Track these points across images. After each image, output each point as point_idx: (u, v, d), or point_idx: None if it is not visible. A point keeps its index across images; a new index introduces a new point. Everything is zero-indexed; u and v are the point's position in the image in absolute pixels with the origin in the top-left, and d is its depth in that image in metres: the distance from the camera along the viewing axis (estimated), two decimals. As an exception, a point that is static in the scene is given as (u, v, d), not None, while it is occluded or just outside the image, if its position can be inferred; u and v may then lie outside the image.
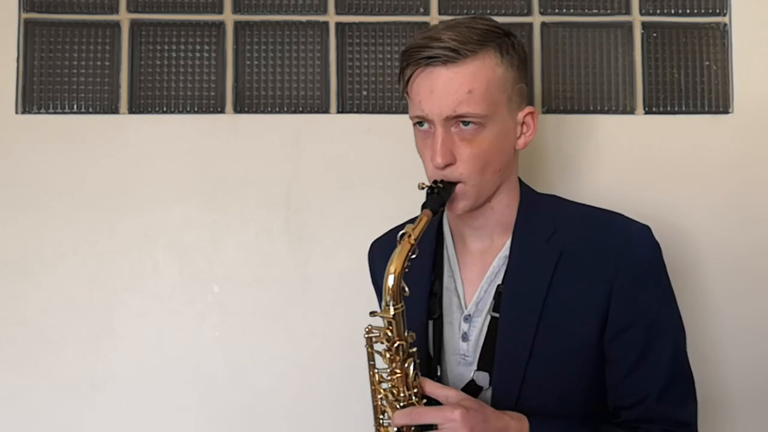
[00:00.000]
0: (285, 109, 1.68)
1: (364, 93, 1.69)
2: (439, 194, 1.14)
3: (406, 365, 1.12)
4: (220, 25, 1.69)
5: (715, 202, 1.66)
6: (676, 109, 1.69)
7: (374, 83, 1.68)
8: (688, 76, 1.69)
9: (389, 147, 1.67)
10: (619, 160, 1.66)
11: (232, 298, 1.65)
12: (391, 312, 1.10)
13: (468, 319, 1.24)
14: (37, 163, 1.65)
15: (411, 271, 1.11)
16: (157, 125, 1.67)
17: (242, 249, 1.66)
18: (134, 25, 1.69)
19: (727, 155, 1.67)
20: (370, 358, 1.18)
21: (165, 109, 1.67)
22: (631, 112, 1.68)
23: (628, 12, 1.70)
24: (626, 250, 1.17)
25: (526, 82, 1.24)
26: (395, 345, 1.12)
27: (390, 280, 1.08)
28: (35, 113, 1.67)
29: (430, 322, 1.27)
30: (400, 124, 1.68)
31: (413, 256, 1.10)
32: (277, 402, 1.65)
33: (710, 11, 1.70)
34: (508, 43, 1.17)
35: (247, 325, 1.65)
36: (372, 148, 1.68)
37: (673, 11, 1.70)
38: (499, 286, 1.22)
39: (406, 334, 1.12)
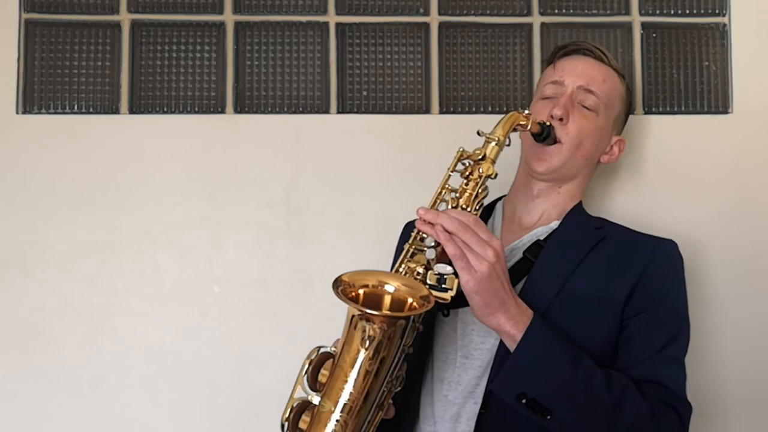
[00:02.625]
0: (285, 109, 1.68)
1: (364, 93, 1.69)
2: (549, 128, 1.31)
3: (480, 190, 1.19)
4: (220, 26, 1.69)
5: (714, 201, 1.66)
6: (676, 109, 1.69)
7: (374, 83, 1.69)
8: (688, 77, 1.69)
9: (389, 147, 1.67)
10: (618, 160, 1.66)
11: (233, 298, 1.65)
12: (497, 138, 1.20)
13: None
14: (37, 163, 1.65)
15: None
16: (157, 125, 1.67)
17: (242, 249, 1.66)
18: (135, 25, 1.69)
19: (727, 155, 1.67)
20: (451, 169, 1.22)
21: (165, 109, 1.68)
22: (631, 112, 1.68)
23: (627, 12, 1.70)
24: (657, 252, 1.31)
25: (623, 124, 1.48)
26: (482, 167, 1.19)
27: (501, 122, 1.22)
28: (35, 113, 1.67)
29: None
30: (400, 124, 1.69)
31: (521, 123, 1.24)
32: (277, 402, 1.64)
33: (710, 11, 1.70)
34: (627, 84, 1.47)
35: (247, 325, 1.65)
36: (372, 148, 1.68)
37: (672, 11, 1.70)
38: (539, 240, 1.32)
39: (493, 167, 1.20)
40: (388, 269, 1.46)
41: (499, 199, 1.45)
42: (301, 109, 1.68)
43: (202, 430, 1.63)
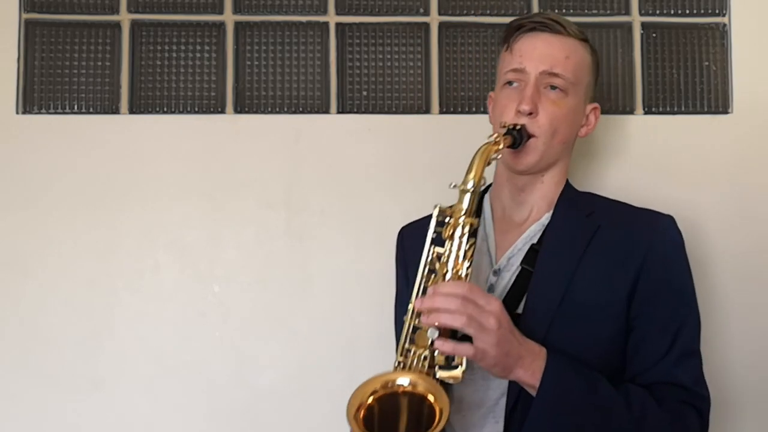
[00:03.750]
0: (285, 109, 1.68)
1: (364, 93, 1.69)
2: (519, 132, 1.25)
3: (466, 246, 1.15)
4: (220, 26, 1.69)
5: (714, 201, 1.66)
6: (676, 109, 1.69)
7: (374, 83, 1.69)
8: (688, 77, 1.69)
9: (389, 147, 1.67)
10: (618, 160, 1.67)
11: (233, 298, 1.65)
12: (471, 188, 1.16)
13: (497, 272, 1.29)
14: (37, 163, 1.65)
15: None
16: (157, 125, 1.67)
17: (242, 249, 1.66)
18: (135, 25, 1.69)
19: (727, 155, 1.67)
20: (433, 232, 1.19)
21: (165, 109, 1.68)
22: (631, 112, 1.69)
23: (627, 12, 1.70)
24: (656, 233, 1.27)
25: (595, 89, 1.39)
26: (462, 220, 1.15)
27: (475, 163, 1.17)
28: (35, 113, 1.67)
29: None
30: (400, 124, 1.69)
31: (496, 157, 1.21)
32: (277, 402, 1.64)
33: (710, 11, 1.70)
34: (593, 49, 1.36)
35: (247, 325, 1.65)
36: (372, 148, 1.68)
37: (672, 11, 1.70)
38: (533, 245, 1.28)
39: (475, 217, 1.17)
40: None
41: (486, 190, 1.41)
42: (301, 109, 1.68)
43: (202, 430, 1.63)
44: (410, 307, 1.17)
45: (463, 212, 1.16)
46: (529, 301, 1.23)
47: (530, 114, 1.26)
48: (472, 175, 1.16)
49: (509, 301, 1.23)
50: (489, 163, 1.19)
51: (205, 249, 1.65)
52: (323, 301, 1.65)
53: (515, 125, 1.25)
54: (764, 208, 1.67)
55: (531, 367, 1.12)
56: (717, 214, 1.66)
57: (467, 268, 1.15)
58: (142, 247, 1.65)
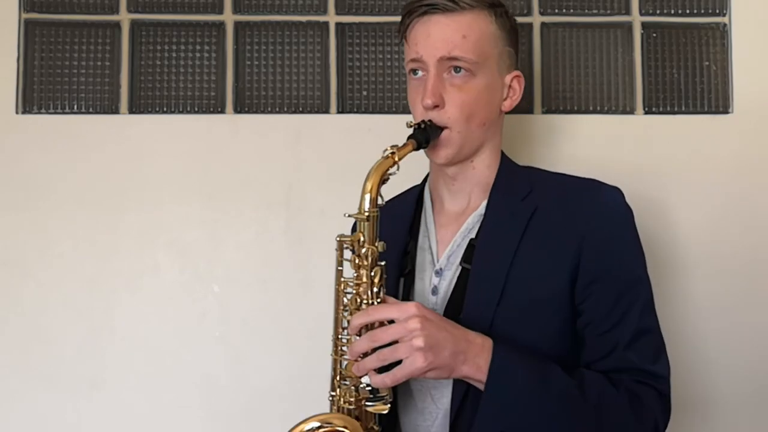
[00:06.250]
0: (285, 109, 1.68)
1: (364, 93, 1.69)
2: (425, 130, 1.18)
3: (372, 273, 1.12)
4: (220, 25, 1.69)
5: (714, 201, 1.66)
6: (676, 109, 1.69)
7: (374, 83, 1.69)
8: (688, 77, 1.69)
9: (389, 147, 1.67)
10: (618, 160, 1.66)
11: (232, 298, 1.65)
12: (366, 214, 1.12)
13: (439, 273, 1.25)
14: (37, 163, 1.65)
15: (389, 234, 1.16)
16: (157, 125, 1.67)
17: (242, 249, 1.66)
18: (134, 25, 1.69)
19: (727, 155, 1.67)
20: (339, 264, 1.18)
21: (165, 109, 1.68)
22: (631, 112, 1.69)
23: (627, 12, 1.70)
24: (597, 206, 1.20)
25: (517, 50, 1.29)
26: (364, 250, 1.13)
27: (368, 185, 1.12)
28: (35, 113, 1.67)
29: (402, 279, 1.28)
30: (400, 124, 1.67)
31: (392, 172, 1.15)
32: (277, 402, 1.65)
33: (710, 11, 1.70)
34: (500, 10, 1.25)
35: (247, 325, 1.65)
36: (372, 148, 1.67)
37: (672, 11, 1.70)
38: (471, 240, 1.23)
39: (377, 243, 1.13)
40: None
41: (425, 180, 1.36)
42: (301, 109, 1.68)
43: (201, 430, 1.64)
44: (332, 341, 1.18)
45: (364, 237, 1.13)
46: (467, 304, 1.18)
47: (436, 107, 1.19)
48: (365, 202, 1.12)
49: (453, 306, 1.20)
50: (385, 181, 1.15)
51: (205, 249, 1.65)
52: (323, 301, 1.64)
53: (421, 122, 1.19)
54: (764, 208, 1.67)
55: (475, 361, 1.08)
56: (717, 214, 1.65)
57: (378, 293, 1.13)
58: (142, 247, 1.65)
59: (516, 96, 1.28)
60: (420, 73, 1.23)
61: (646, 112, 1.69)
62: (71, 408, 1.62)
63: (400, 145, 1.17)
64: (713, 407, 1.62)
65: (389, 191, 1.33)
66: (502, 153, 1.31)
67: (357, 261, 1.14)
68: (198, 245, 1.65)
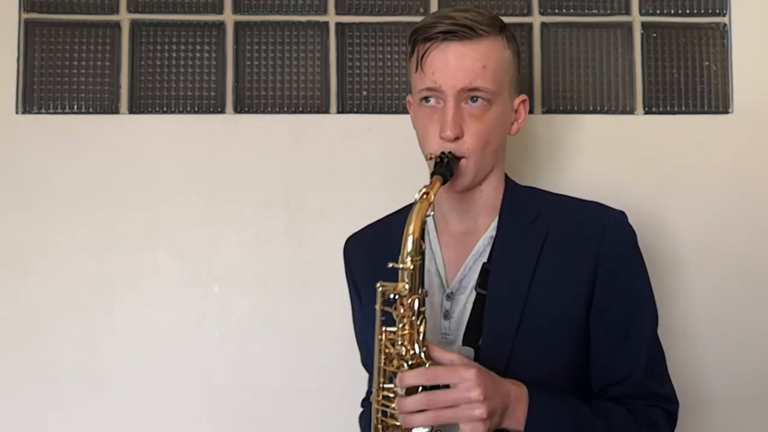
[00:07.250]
0: (285, 109, 1.68)
1: (364, 93, 1.69)
2: (448, 164, 1.16)
3: (418, 323, 1.10)
4: (220, 25, 1.69)
5: (714, 202, 1.66)
6: (676, 109, 1.69)
7: (374, 83, 1.69)
8: (688, 76, 1.69)
9: (389, 147, 1.67)
10: (619, 160, 1.66)
11: (232, 298, 1.65)
12: (410, 264, 1.09)
13: (451, 297, 1.24)
14: (37, 163, 1.65)
15: (389, 256, 1.12)
16: (157, 125, 1.67)
17: (242, 249, 1.66)
18: (134, 25, 1.69)
19: (727, 155, 1.67)
20: (381, 314, 1.12)
21: (165, 109, 1.68)
22: (631, 112, 1.69)
23: (627, 12, 1.70)
24: (607, 233, 1.21)
25: (518, 77, 1.29)
26: (410, 300, 1.09)
27: (410, 229, 1.09)
28: (35, 113, 1.67)
29: None
30: (400, 124, 1.68)
31: (429, 214, 1.11)
32: (277, 402, 1.65)
33: (710, 11, 1.70)
34: (509, 33, 1.24)
35: (247, 325, 1.65)
36: (372, 148, 1.68)
37: (672, 11, 1.70)
38: (484, 264, 1.23)
39: (420, 290, 1.11)
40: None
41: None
42: (300, 109, 1.68)
43: (201, 430, 1.63)
44: (373, 391, 1.12)
45: (408, 291, 1.09)
46: (486, 330, 1.18)
47: (456, 139, 1.17)
48: (408, 250, 1.09)
49: (471, 332, 1.19)
50: (425, 221, 1.11)
51: (205, 249, 1.65)
52: (323, 301, 1.65)
53: (442, 155, 1.17)
54: (764, 208, 1.67)
55: (515, 414, 1.09)
56: (717, 214, 1.65)
57: (421, 342, 1.09)
58: (142, 247, 1.65)
59: (522, 120, 1.28)
60: (433, 101, 1.20)
61: (646, 112, 1.69)
62: (71, 408, 1.62)
63: (427, 183, 1.14)
64: (713, 410, 1.62)
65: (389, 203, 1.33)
66: (505, 173, 1.31)
67: (402, 310, 1.10)
68: (198, 245, 1.65)
